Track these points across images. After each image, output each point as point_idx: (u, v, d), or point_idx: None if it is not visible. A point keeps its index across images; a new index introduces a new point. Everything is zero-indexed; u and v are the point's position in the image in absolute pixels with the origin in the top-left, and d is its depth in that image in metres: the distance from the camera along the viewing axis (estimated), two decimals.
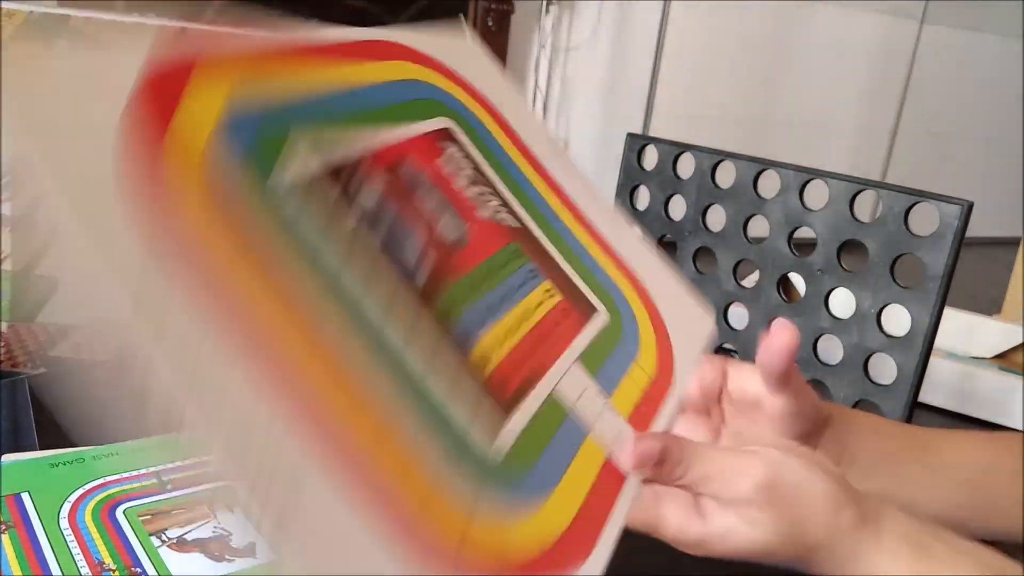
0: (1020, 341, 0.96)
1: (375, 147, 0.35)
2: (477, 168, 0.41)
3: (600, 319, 0.43)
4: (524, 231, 0.41)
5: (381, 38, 0.42)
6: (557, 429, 0.36)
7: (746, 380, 0.47)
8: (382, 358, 0.29)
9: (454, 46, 0.46)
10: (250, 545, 0.49)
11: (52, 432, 0.65)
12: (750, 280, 0.82)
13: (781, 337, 0.43)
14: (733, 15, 2.71)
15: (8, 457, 0.59)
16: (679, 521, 0.36)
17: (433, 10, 2.04)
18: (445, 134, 0.41)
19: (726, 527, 0.35)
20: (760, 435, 0.45)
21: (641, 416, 0.40)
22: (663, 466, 0.36)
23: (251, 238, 0.27)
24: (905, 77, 3.22)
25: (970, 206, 0.66)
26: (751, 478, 0.35)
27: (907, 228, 0.69)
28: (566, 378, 0.38)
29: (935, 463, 0.54)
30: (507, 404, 0.34)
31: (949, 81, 3.36)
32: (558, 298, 0.41)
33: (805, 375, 0.75)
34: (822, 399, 0.75)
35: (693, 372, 0.47)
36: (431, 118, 0.40)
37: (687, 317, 0.49)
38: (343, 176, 0.32)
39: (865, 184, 0.72)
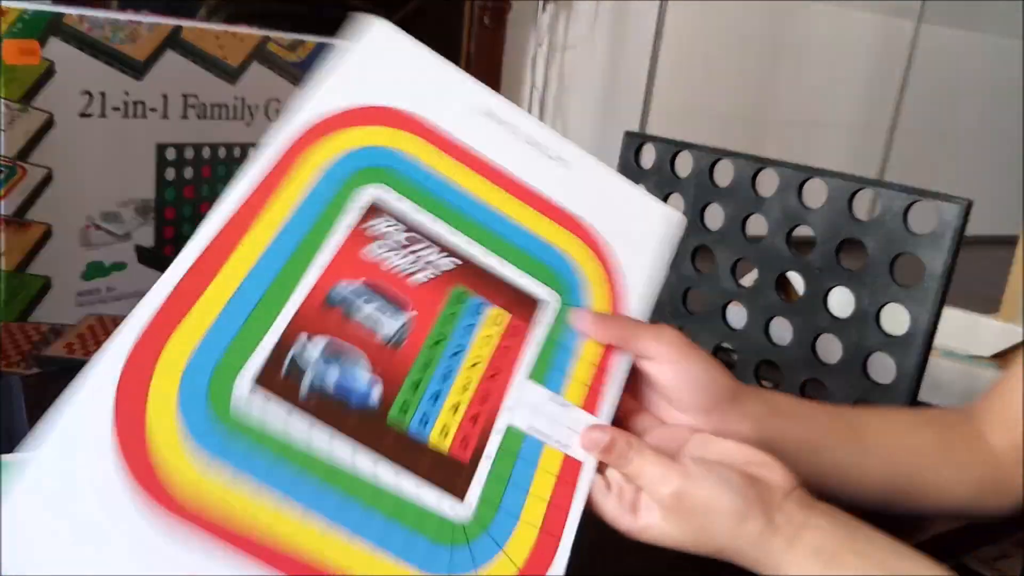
0: (1019, 340, 0.96)
1: (305, 294, 0.40)
2: (408, 225, 0.45)
3: (549, 310, 0.48)
4: (462, 266, 0.46)
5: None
6: (518, 452, 0.44)
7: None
8: (359, 489, 0.38)
9: (369, 59, 0.47)
10: None
11: None
12: (748, 279, 0.81)
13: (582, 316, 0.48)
14: (730, 13, 2.71)
15: (2, 458, 0.58)
16: (615, 513, 0.44)
17: (428, 8, 2.04)
18: (372, 211, 0.44)
19: (649, 522, 0.42)
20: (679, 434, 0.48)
21: (594, 393, 0.47)
22: (610, 454, 0.43)
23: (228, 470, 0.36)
24: (902, 76, 3.23)
25: (969, 204, 0.65)
26: (668, 486, 0.41)
27: (906, 227, 0.69)
28: (519, 404, 0.45)
29: (861, 449, 0.55)
30: (473, 458, 0.42)
31: (946, 80, 3.36)
32: (506, 319, 0.46)
33: (804, 375, 0.75)
34: (821, 399, 0.75)
35: (658, 267, 0.52)
36: (358, 187, 0.43)
37: (643, 222, 0.53)
38: (287, 348, 0.39)
39: (863, 183, 0.72)
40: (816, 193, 0.75)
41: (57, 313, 0.74)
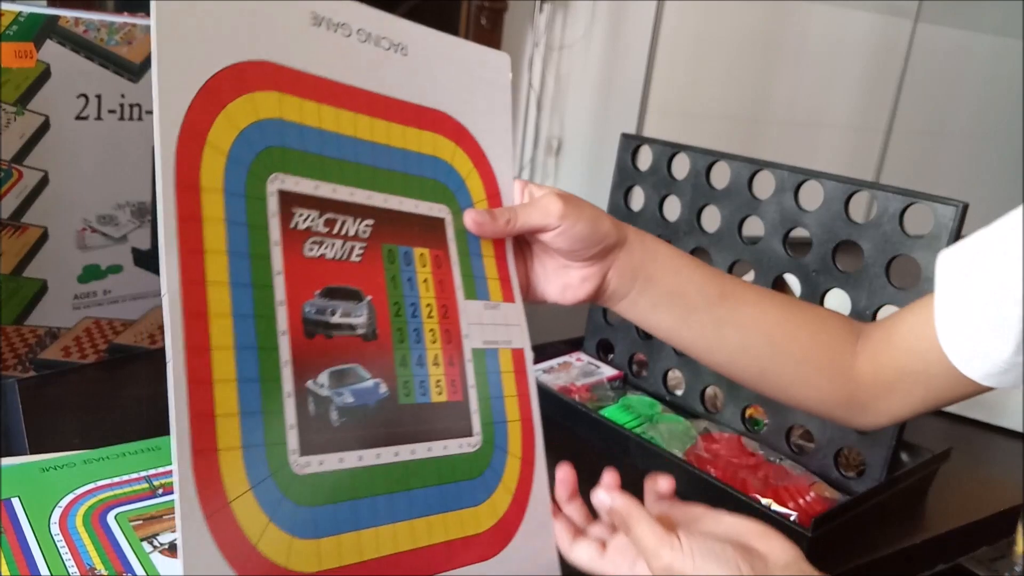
0: None
1: (288, 339, 0.41)
2: (320, 207, 0.45)
3: (450, 226, 0.51)
4: (377, 223, 0.47)
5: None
6: (486, 369, 0.50)
7: (529, 218, 0.53)
8: (412, 477, 0.45)
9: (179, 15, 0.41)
10: None
11: (42, 436, 0.65)
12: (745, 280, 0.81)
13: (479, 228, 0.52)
14: (727, 14, 2.71)
15: (1, 461, 0.58)
16: (617, 566, 0.49)
17: (425, 7, 2.03)
18: (284, 203, 0.44)
19: None
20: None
21: (505, 283, 0.53)
22: (613, 515, 0.46)
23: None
24: (899, 76, 3.23)
25: (965, 207, 0.65)
26: (659, 560, 0.44)
27: (902, 229, 0.69)
28: (470, 326, 0.50)
29: (724, 320, 0.57)
30: (464, 393, 0.49)
31: (944, 80, 3.36)
32: (428, 255, 0.49)
33: None
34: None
35: (503, 114, 0.56)
36: (259, 188, 0.43)
37: (480, 78, 0.55)
38: (306, 400, 0.41)
39: (860, 185, 0.72)
40: (812, 195, 0.75)
41: (53, 316, 0.74)
